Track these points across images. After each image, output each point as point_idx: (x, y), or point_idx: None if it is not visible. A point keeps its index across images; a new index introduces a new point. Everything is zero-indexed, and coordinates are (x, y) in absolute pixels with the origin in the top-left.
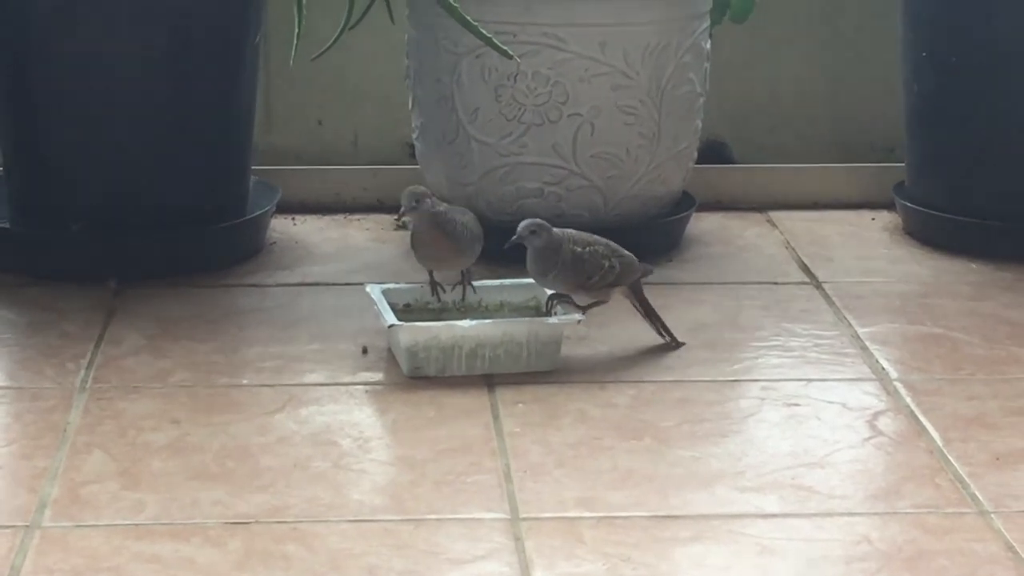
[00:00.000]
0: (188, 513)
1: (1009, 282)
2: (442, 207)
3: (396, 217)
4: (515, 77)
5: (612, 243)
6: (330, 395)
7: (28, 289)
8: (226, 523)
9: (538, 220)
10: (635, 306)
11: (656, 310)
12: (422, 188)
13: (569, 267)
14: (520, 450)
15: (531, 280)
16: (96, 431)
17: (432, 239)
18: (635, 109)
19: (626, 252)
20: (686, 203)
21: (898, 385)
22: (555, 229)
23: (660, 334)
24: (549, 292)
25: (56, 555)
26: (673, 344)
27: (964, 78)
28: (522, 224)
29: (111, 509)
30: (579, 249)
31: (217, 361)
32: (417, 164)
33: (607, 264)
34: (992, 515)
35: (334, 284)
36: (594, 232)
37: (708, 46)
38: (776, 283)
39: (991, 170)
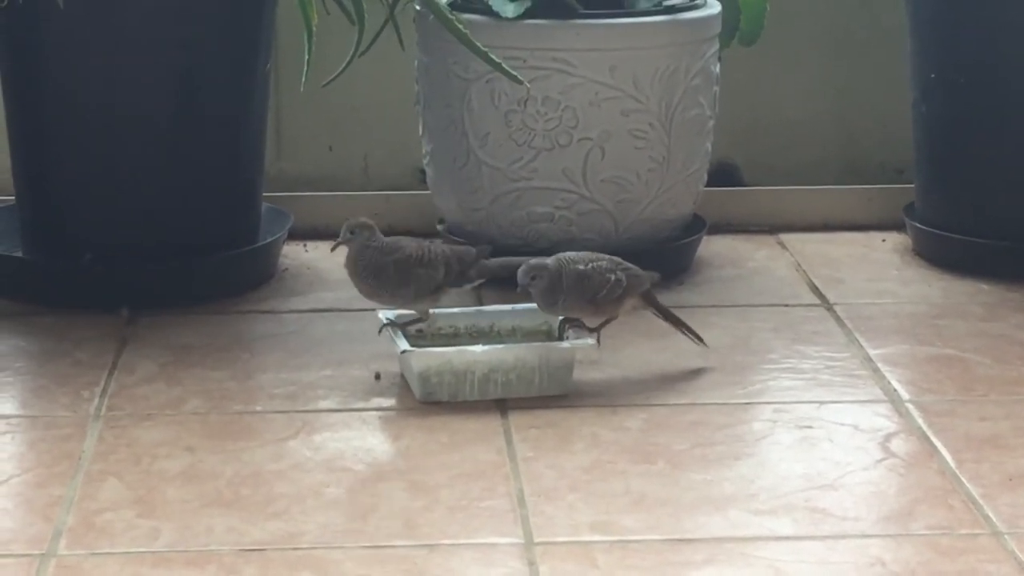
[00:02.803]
0: (203, 540)
1: (1019, 303)
2: (375, 244)
3: (331, 247)
4: (525, 102)
5: (616, 258)
6: (343, 421)
7: (41, 318)
8: (241, 550)
9: (535, 263)
10: (655, 314)
11: (677, 316)
12: (364, 220)
13: (574, 287)
14: (533, 474)
15: None
16: (110, 459)
17: (352, 273)
18: (645, 133)
19: (631, 265)
20: (697, 226)
21: (910, 406)
22: (551, 259)
23: (686, 335)
24: (560, 316)
25: None
26: (700, 344)
27: (973, 99)
28: (520, 273)
29: (126, 537)
30: (582, 267)
31: (230, 388)
32: (428, 190)
33: (613, 278)
34: (1005, 536)
35: (346, 310)
36: None
37: (717, 69)
38: (787, 305)
39: (1001, 191)
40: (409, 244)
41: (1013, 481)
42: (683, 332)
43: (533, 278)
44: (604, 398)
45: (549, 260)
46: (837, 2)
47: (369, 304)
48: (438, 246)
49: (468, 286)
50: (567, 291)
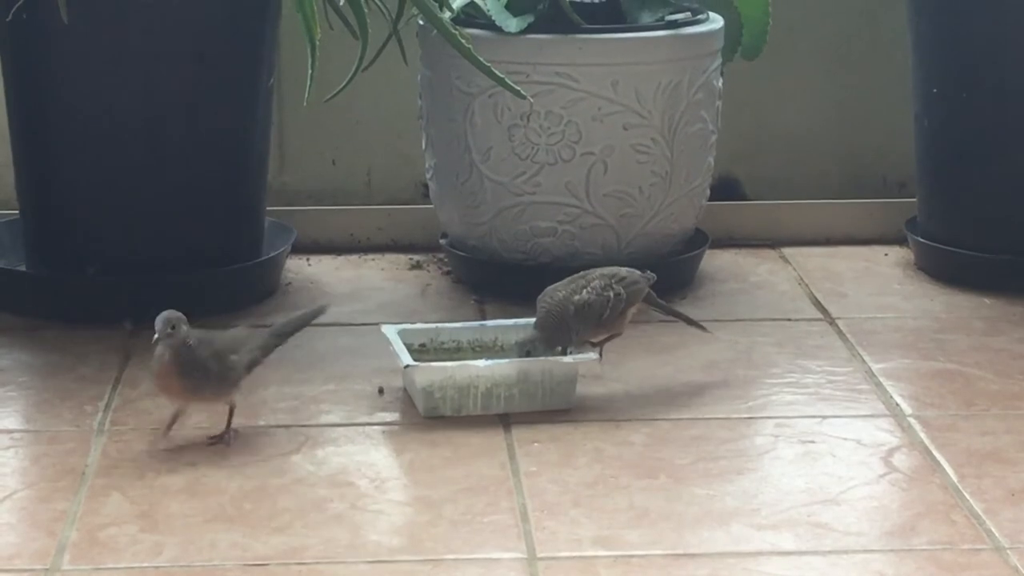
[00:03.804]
0: (206, 555)
1: (1021, 317)
2: (191, 340)
3: (152, 341)
4: (528, 117)
5: (607, 270)
6: (346, 436)
7: (44, 332)
8: (244, 565)
9: (520, 341)
10: (657, 312)
11: (675, 308)
12: (180, 314)
13: (581, 319)
14: (536, 489)
15: None
16: (114, 473)
17: (170, 372)
18: (648, 147)
19: (625, 272)
20: (699, 240)
21: (912, 421)
22: (538, 311)
23: (691, 325)
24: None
25: None
26: (704, 331)
27: (974, 114)
28: (517, 349)
29: (129, 552)
30: (577, 297)
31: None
32: (431, 204)
33: (612, 295)
34: (1008, 551)
35: (349, 324)
36: None
37: (720, 84)
38: (789, 319)
39: (1002, 205)
40: (214, 334)
41: (1015, 496)
42: (687, 323)
43: (528, 352)
44: (607, 413)
45: (534, 323)
46: (839, 17)
47: (372, 319)
48: (232, 331)
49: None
50: (574, 327)
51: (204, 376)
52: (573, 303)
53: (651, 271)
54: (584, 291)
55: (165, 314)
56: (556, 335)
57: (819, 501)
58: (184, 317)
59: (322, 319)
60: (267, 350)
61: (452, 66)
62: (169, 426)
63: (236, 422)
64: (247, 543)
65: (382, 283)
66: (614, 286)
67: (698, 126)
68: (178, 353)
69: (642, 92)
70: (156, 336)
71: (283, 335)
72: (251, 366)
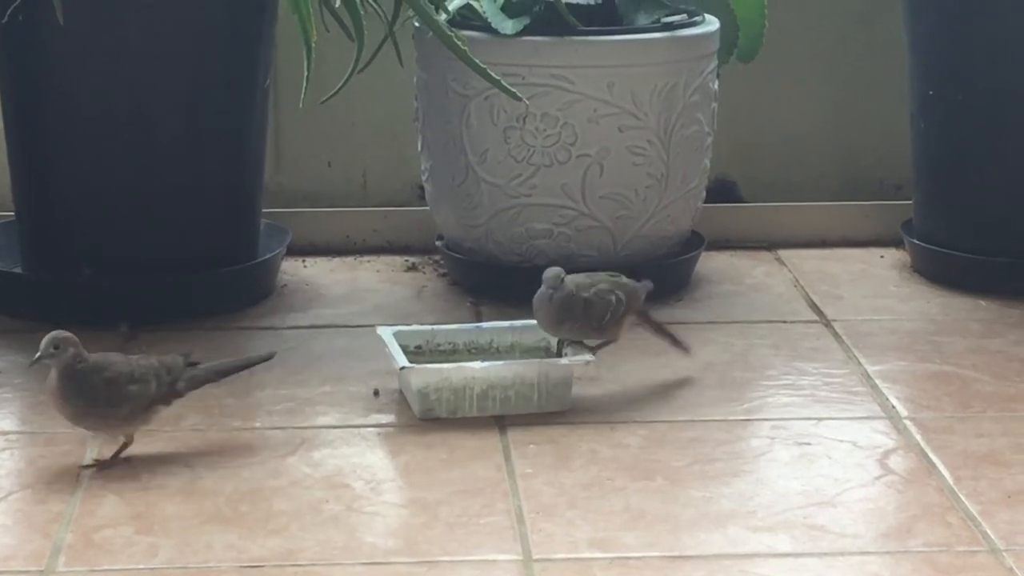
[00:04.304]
0: (202, 557)
1: (1017, 319)
2: (82, 363)
3: (31, 362)
4: (524, 119)
5: (608, 274)
6: (342, 438)
7: (41, 334)
8: (240, 567)
9: (559, 271)
10: (647, 328)
11: (663, 325)
12: (68, 335)
13: (581, 315)
14: (532, 491)
15: None
16: (109, 475)
17: (56, 394)
18: (644, 149)
19: (625, 280)
20: (695, 242)
21: (908, 423)
22: (567, 280)
23: (675, 344)
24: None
25: None
26: (686, 350)
27: (970, 116)
28: (549, 275)
29: (125, 554)
30: (586, 294)
31: (229, 404)
32: (426, 206)
33: (614, 299)
34: (1003, 553)
35: (345, 326)
36: None
37: (716, 86)
38: (785, 322)
39: (999, 207)
40: (118, 360)
41: (1011, 498)
42: (672, 343)
43: (555, 286)
44: (603, 415)
45: (566, 280)
46: (835, 18)
47: (367, 321)
48: (146, 359)
49: (175, 401)
50: (575, 318)
51: (89, 403)
52: (581, 298)
53: (648, 278)
54: (591, 290)
55: (52, 333)
56: (563, 307)
57: (815, 503)
58: (75, 339)
59: (318, 321)
60: (196, 383)
61: (448, 68)
62: (119, 451)
63: (232, 423)
64: (243, 545)
65: (378, 285)
66: (616, 292)
67: (694, 128)
68: (65, 376)
69: (638, 94)
70: (37, 355)
71: (222, 373)
72: (168, 398)
